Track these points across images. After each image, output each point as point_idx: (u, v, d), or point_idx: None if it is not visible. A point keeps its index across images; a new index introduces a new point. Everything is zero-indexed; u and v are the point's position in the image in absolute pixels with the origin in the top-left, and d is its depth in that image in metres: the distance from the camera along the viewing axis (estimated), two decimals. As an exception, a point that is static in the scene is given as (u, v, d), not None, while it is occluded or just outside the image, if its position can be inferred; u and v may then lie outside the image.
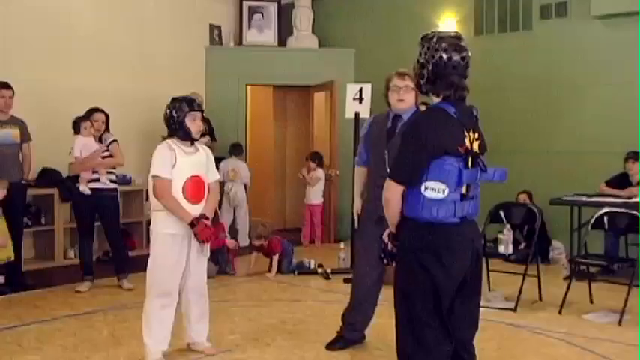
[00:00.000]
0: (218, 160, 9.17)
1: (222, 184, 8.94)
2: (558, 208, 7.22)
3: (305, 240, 9.30)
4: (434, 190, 2.82)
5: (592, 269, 6.24)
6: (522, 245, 7.05)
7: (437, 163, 2.81)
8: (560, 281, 6.60)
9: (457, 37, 2.92)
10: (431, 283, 2.85)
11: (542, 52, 8.36)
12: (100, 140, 6.50)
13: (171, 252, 4.30)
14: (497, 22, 8.76)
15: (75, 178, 6.43)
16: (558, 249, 7.84)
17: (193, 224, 4.24)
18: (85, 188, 6.30)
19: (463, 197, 2.89)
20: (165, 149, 4.30)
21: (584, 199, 7.07)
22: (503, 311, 5.69)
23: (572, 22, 8.16)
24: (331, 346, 4.73)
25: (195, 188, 4.34)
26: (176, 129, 4.34)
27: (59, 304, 5.90)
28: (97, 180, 6.38)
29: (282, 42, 10.34)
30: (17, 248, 6.59)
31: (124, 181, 8.16)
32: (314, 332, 5.10)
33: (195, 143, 4.47)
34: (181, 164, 4.28)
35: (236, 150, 9.14)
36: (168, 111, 4.37)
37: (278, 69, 9.93)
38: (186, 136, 4.35)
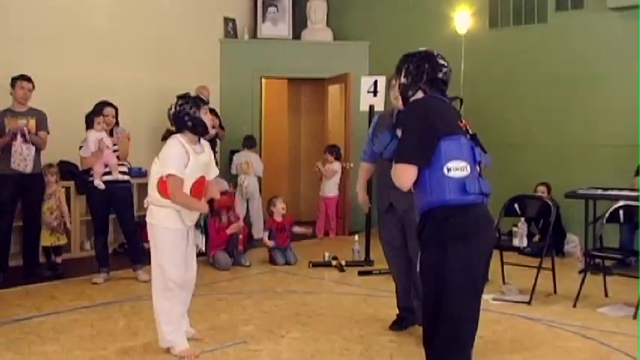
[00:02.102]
0: (232, 153, 9.25)
1: (235, 176, 8.99)
2: (573, 201, 7.19)
3: (319, 233, 9.30)
4: (457, 169, 2.89)
5: (607, 263, 6.21)
6: (537, 238, 7.02)
7: (451, 143, 2.90)
8: (575, 275, 6.58)
9: (438, 54, 3.25)
10: (468, 271, 2.88)
11: (557, 44, 8.31)
12: (111, 134, 6.54)
13: (180, 246, 4.36)
14: (513, 14, 8.70)
15: (87, 172, 6.48)
16: (573, 242, 7.81)
17: (211, 205, 4.37)
18: (99, 182, 6.34)
19: (480, 175, 3.01)
20: (179, 147, 4.26)
21: (599, 192, 7.03)
22: (518, 304, 5.68)
23: (589, 14, 8.09)
24: (393, 327, 4.96)
25: (199, 188, 4.39)
26: (194, 124, 4.30)
27: (76, 296, 5.96)
28: (110, 173, 6.43)
29: (296, 35, 10.34)
30: (36, 239, 6.70)
31: (139, 173, 8.20)
32: (328, 324, 5.12)
33: (201, 140, 4.47)
34: (193, 165, 4.28)
35: (249, 142, 9.16)
36: (180, 108, 4.32)
37: (292, 62, 9.94)
38: (204, 131, 4.36)
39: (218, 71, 9.87)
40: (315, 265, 7.30)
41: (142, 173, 8.37)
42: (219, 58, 9.90)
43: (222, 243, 7.22)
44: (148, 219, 4.40)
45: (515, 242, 6.10)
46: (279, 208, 7.58)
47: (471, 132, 3.05)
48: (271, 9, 10.29)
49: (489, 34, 8.87)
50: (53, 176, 6.85)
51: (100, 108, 6.50)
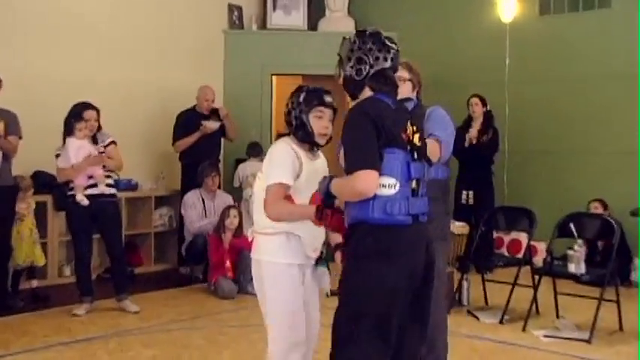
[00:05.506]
0: (237, 162, 9.21)
1: (240, 189, 8.92)
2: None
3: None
4: (384, 185, 2.99)
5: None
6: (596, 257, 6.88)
7: (385, 155, 3.00)
8: (645, 307, 6.48)
9: (385, 35, 3.35)
10: (381, 288, 3.03)
11: (623, 33, 8.18)
12: (94, 141, 6.51)
13: (297, 288, 3.92)
14: (568, -2, 8.64)
15: (67, 185, 6.45)
16: (641, 269, 7.71)
17: (319, 210, 3.53)
18: (82, 198, 6.30)
19: (413, 193, 3.08)
20: (288, 151, 3.81)
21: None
22: (575, 342, 5.60)
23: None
24: None
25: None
26: (295, 126, 3.89)
27: (53, 330, 5.92)
28: (95, 185, 6.40)
29: (312, 25, 10.34)
30: (5, 263, 6.69)
31: (129, 186, 8.19)
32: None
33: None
34: (308, 174, 3.77)
35: (255, 150, 9.05)
36: (289, 102, 3.94)
37: (308, 56, 9.92)
38: (306, 138, 3.87)
39: (221, 67, 9.89)
40: (334, 294, 7.19)
41: (132, 186, 8.36)
42: (223, 52, 9.92)
43: (224, 267, 7.14)
44: (253, 255, 3.92)
45: (571, 268, 6.03)
46: None
47: (418, 143, 3.13)
48: (283, -5, 10.30)
49: (540, 21, 8.80)
50: (28, 190, 6.88)
51: (79, 111, 6.45)
